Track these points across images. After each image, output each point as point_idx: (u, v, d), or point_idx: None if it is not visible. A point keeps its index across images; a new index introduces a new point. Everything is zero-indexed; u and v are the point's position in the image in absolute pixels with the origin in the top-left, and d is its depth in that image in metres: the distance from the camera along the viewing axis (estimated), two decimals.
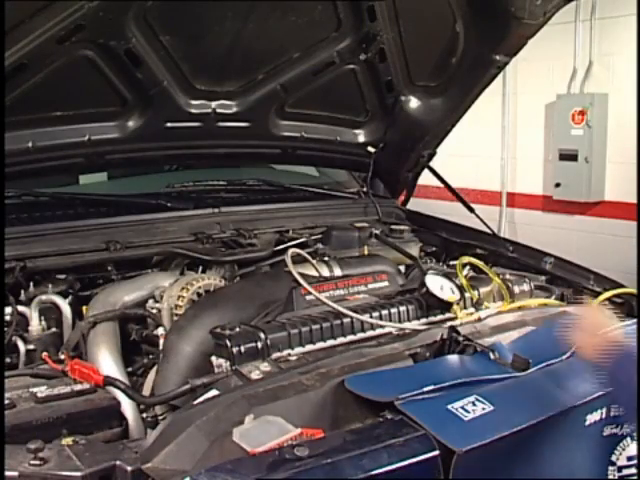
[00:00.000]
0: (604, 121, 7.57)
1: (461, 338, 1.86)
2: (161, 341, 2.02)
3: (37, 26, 1.92)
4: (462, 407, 1.51)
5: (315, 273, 2.31)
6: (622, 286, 2.40)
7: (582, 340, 1.65)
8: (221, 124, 2.62)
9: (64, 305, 2.15)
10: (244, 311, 2.00)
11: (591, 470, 1.70)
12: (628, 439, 1.71)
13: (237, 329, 1.81)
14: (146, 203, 2.67)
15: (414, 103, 2.91)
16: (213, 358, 1.80)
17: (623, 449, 1.71)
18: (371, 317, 1.97)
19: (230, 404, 1.52)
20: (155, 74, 2.32)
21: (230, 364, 1.75)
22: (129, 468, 1.37)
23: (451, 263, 2.50)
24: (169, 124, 2.52)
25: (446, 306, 2.12)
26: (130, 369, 2.04)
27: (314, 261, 2.40)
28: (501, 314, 2.16)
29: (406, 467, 1.36)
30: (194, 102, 2.51)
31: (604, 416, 1.67)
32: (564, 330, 1.69)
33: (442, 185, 3.19)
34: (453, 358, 1.81)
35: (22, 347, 2.04)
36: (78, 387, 1.76)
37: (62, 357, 1.97)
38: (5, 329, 2.01)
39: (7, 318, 2.03)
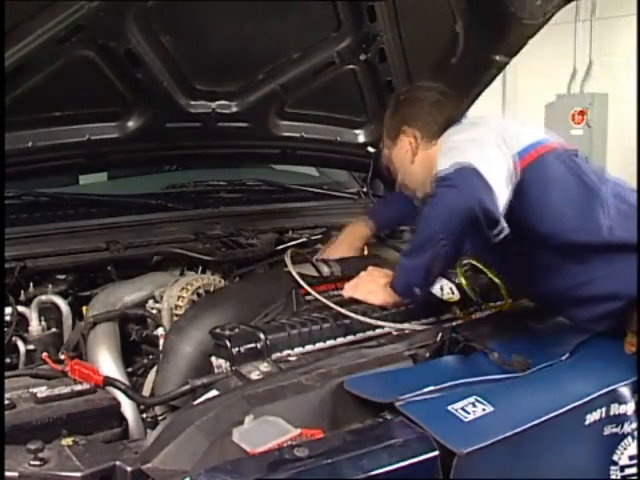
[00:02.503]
0: (604, 121, 7.58)
1: (461, 338, 1.86)
2: (161, 341, 2.02)
3: (37, 26, 1.92)
4: (462, 408, 1.51)
5: (315, 273, 2.31)
6: None
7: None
8: (221, 124, 2.62)
9: (64, 305, 2.15)
10: (244, 311, 2.00)
11: (592, 470, 1.69)
12: (629, 438, 1.71)
13: (237, 329, 1.81)
14: (146, 203, 2.67)
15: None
16: (213, 358, 1.80)
17: (625, 448, 1.71)
18: (371, 317, 1.97)
19: (230, 404, 1.52)
20: (155, 74, 2.32)
21: (230, 364, 1.75)
22: (129, 468, 1.37)
23: None
24: (169, 124, 2.52)
25: (446, 306, 2.12)
26: (130, 369, 2.04)
27: (314, 261, 2.40)
28: (501, 314, 2.17)
29: (406, 468, 1.36)
30: (194, 102, 2.51)
31: (604, 415, 1.67)
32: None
33: None
34: (453, 358, 1.81)
35: (22, 347, 2.04)
36: (78, 387, 1.76)
37: (62, 357, 1.97)
38: (5, 329, 2.01)
39: (7, 318, 2.04)
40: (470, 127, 2.05)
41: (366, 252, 2.64)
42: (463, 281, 2.19)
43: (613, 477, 1.70)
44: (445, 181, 1.80)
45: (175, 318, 2.09)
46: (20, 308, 2.10)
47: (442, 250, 1.80)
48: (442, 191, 1.80)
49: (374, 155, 3.03)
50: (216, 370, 1.79)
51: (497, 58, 2.67)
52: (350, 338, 1.95)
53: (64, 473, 1.35)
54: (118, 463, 1.38)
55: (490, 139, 1.91)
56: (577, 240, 1.92)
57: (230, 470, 1.29)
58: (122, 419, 1.77)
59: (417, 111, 2.15)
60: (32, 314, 2.10)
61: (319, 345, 1.89)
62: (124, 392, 1.80)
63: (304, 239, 2.70)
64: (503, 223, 1.79)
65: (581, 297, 1.93)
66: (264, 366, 1.72)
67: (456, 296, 2.14)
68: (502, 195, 1.80)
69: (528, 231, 1.93)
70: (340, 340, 1.93)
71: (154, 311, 2.16)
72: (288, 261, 2.12)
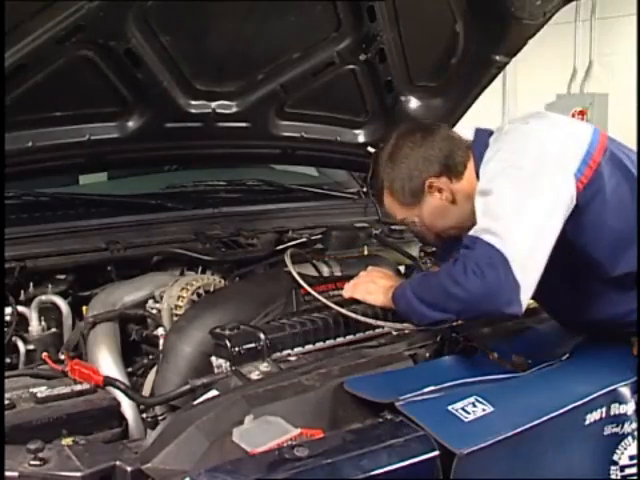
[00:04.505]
0: (604, 121, 7.57)
1: (461, 338, 1.86)
2: (161, 341, 2.02)
3: (37, 26, 1.92)
4: (462, 408, 1.51)
5: (315, 273, 2.31)
6: None
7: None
8: (221, 124, 2.62)
9: (64, 305, 2.15)
10: (244, 311, 2.00)
11: (592, 470, 1.70)
12: (629, 438, 1.71)
13: (237, 329, 1.81)
14: (146, 203, 2.66)
15: (414, 103, 2.91)
16: (213, 358, 1.81)
17: (625, 448, 1.71)
18: (371, 317, 1.97)
19: (230, 404, 1.52)
20: (155, 74, 2.32)
21: (230, 364, 1.75)
22: (129, 468, 1.37)
23: None
24: (169, 124, 2.51)
25: None
26: (130, 369, 2.04)
27: (314, 261, 2.40)
28: None
29: (406, 467, 1.36)
30: (194, 102, 2.51)
31: (604, 415, 1.67)
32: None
33: None
34: (453, 358, 1.81)
35: (22, 347, 2.05)
36: (78, 387, 1.76)
37: (62, 357, 1.98)
38: (5, 329, 2.01)
39: (7, 318, 2.04)
40: (518, 148, 1.82)
41: (366, 252, 2.64)
42: None
43: (613, 477, 1.70)
44: (474, 262, 1.67)
45: (175, 318, 2.09)
46: (20, 308, 2.10)
47: (449, 321, 1.79)
48: (469, 276, 1.67)
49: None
50: (216, 370, 1.79)
51: (497, 58, 2.67)
52: (350, 338, 1.95)
53: (64, 473, 1.35)
54: (118, 463, 1.39)
55: (542, 174, 1.74)
56: (632, 270, 1.80)
57: (230, 470, 1.29)
58: (122, 419, 1.77)
59: (428, 156, 1.94)
60: (32, 314, 2.11)
61: (319, 345, 1.90)
62: (124, 392, 1.80)
63: (304, 239, 2.70)
64: (521, 313, 1.71)
65: (631, 321, 1.82)
66: (264, 366, 1.72)
67: None
68: (533, 282, 1.69)
69: (580, 257, 1.82)
70: (340, 340, 1.94)
71: (154, 311, 2.16)
72: (288, 261, 2.12)
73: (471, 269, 1.68)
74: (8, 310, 2.05)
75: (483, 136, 1.95)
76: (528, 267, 1.68)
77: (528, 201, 1.72)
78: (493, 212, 1.73)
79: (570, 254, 1.79)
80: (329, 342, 1.92)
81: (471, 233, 1.74)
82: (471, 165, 1.94)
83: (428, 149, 1.95)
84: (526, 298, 1.68)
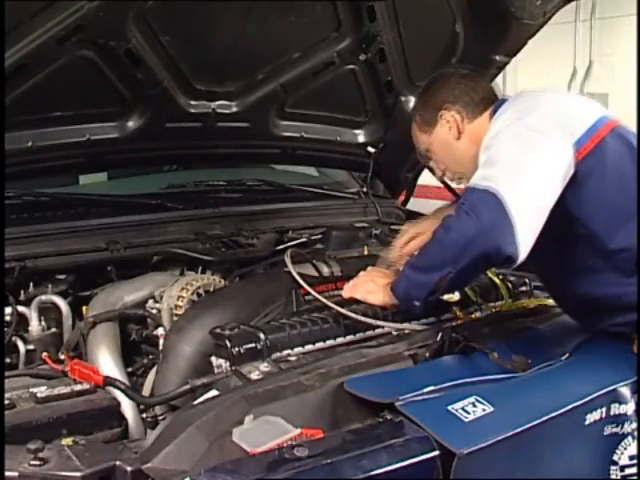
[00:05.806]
0: None
1: (461, 338, 1.86)
2: (161, 341, 2.02)
3: (37, 26, 1.92)
4: (462, 408, 1.51)
5: (315, 273, 2.31)
6: None
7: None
8: (221, 124, 2.62)
9: (64, 305, 2.15)
10: (244, 311, 2.00)
11: (592, 470, 1.70)
12: (629, 438, 1.71)
13: (237, 329, 1.81)
14: (146, 203, 2.66)
15: (414, 103, 2.91)
16: (213, 358, 1.81)
17: (625, 448, 1.71)
18: (371, 317, 1.97)
19: (230, 404, 1.52)
20: (155, 74, 2.32)
21: (230, 364, 1.75)
22: (129, 468, 1.37)
23: None
24: (169, 124, 2.52)
25: (446, 306, 2.12)
26: (130, 369, 2.04)
27: (314, 261, 2.40)
28: (501, 314, 2.17)
29: (406, 467, 1.36)
30: (194, 102, 2.51)
31: (604, 415, 1.67)
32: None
33: (442, 185, 3.18)
34: (453, 358, 1.81)
35: (22, 347, 2.05)
36: (78, 387, 1.76)
37: (62, 357, 1.98)
38: (5, 329, 2.01)
39: (7, 318, 2.04)
40: (526, 108, 1.90)
41: (366, 252, 2.64)
42: None
43: (613, 477, 1.70)
44: (467, 205, 1.72)
45: (175, 318, 2.09)
46: (20, 308, 2.09)
47: (448, 277, 1.77)
48: (462, 218, 1.72)
49: (374, 155, 3.03)
50: (216, 370, 1.79)
51: (497, 58, 2.68)
52: (350, 338, 1.95)
53: (64, 473, 1.35)
54: (118, 463, 1.38)
55: (544, 133, 1.79)
56: (629, 246, 1.80)
57: (230, 470, 1.29)
58: (122, 419, 1.77)
59: (453, 90, 2.06)
60: (32, 314, 2.10)
61: (319, 345, 1.89)
62: (124, 392, 1.80)
63: (304, 239, 2.70)
64: (520, 260, 1.72)
65: (623, 305, 1.83)
66: (264, 366, 1.72)
67: (456, 296, 2.14)
68: (530, 229, 1.71)
69: (578, 227, 1.83)
70: (340, 340, 1.94)
71: (154, 311, 2.15)
72: (288, 261, 2.12)
73: (464, 212, 1.71)
74: (8, 310, 2.05)
75: (506, 98, 2.06)
76: (524, 210, 1.69)
77: (527, 154, 1.77)
78: (492, 161, 1.79)
79: (568, 224, 1.82)
80: (329, 342, 1.92)
81: (469, 184, 1.78)
82: (486, 116, 2.02)
83: (455, 87, 2.08)
84: (524, 244, 1.69)
